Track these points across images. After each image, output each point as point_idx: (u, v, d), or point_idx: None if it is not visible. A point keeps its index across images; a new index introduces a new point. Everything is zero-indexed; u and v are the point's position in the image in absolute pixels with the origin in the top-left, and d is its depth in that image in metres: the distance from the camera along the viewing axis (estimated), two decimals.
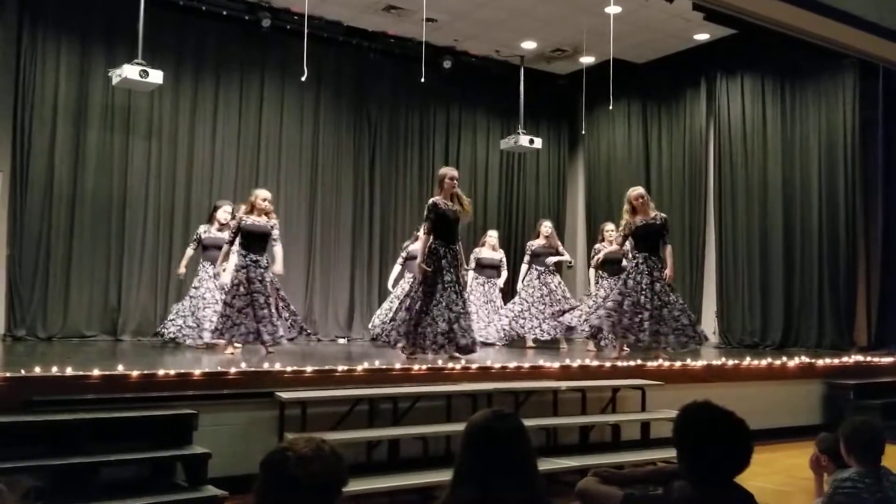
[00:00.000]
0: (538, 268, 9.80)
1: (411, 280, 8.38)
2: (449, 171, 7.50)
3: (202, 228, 8.72)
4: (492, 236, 10.22)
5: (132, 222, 9.87)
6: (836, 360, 8.64)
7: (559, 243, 10.08)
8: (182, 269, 8.74)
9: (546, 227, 9.95)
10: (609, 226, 9.64)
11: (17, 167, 9.22)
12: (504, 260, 10.22)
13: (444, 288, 7.13)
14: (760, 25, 8.22)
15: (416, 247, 8.46)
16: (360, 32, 11.28)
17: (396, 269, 9.83)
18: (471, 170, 12.40)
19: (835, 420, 6.52)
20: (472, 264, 9.90)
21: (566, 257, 10.00)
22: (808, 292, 10.50)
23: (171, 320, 8.56)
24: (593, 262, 9.53)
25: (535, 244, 9.88)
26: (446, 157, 12.40)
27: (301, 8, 9.51)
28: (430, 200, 7.33)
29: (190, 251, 8.72)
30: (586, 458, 5.77)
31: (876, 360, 9.03)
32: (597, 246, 9.70)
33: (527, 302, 9.66)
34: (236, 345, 7.37)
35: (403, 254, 9.76)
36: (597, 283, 9.62)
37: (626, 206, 8.13)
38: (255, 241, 7.43)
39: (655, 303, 7.86)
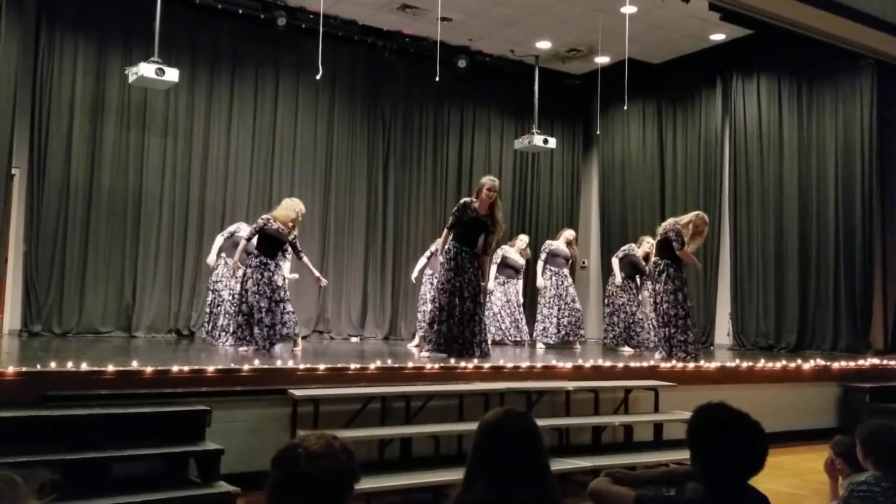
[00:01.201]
0: (552, 268, 9.84)
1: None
2: (487, 180, 7.47)
3: (241, 227, 8.62)
4: (522, 240, 10.25)
5: (147, 219, 9.93)
6: (851, 363, 8.57)
7: (577, 252, 10.15)
8: (213, 258, 8.66)
9: (569, 233, 10.05)
10: (649, 239, 9.73)
11: (34, 164, 9.30)
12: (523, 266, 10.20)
13: (457, 290, 7.24)
14: (777, 25, 8.18)
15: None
16: (375, 31, 11.30)
17: (422, 261, 9.76)
18: (484, 169, 12.36)
19: (850, 423, 6.46)
20: (497, 260, 9.91)
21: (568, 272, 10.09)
22: (824, 294, 10.42)
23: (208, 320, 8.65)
24: (619, 254, 9.88)
25: (555, 245, 9.92)
26: (460, 156, 12.42)
27: (316, 7, 9.52)
28: (463, 199, 7.54)
29: (220, 240, 8.68)
30: (599, 458, 5.75)
31: (893, 363, 8.94)
32: (632, 245, 9.99)
33: (539, 304, 9.74)
34: (242, 349, 7.44)
35: (432, 247, 9.70)
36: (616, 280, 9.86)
37: (693, 229, 8.13)
38: (276, 246, 7.56)
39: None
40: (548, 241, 10.20)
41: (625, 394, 6.65)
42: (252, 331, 7.35)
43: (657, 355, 8.27)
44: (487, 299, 9.03)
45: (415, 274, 9.75)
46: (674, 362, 7.51)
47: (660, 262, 8.18)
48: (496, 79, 12.47)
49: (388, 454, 5.40)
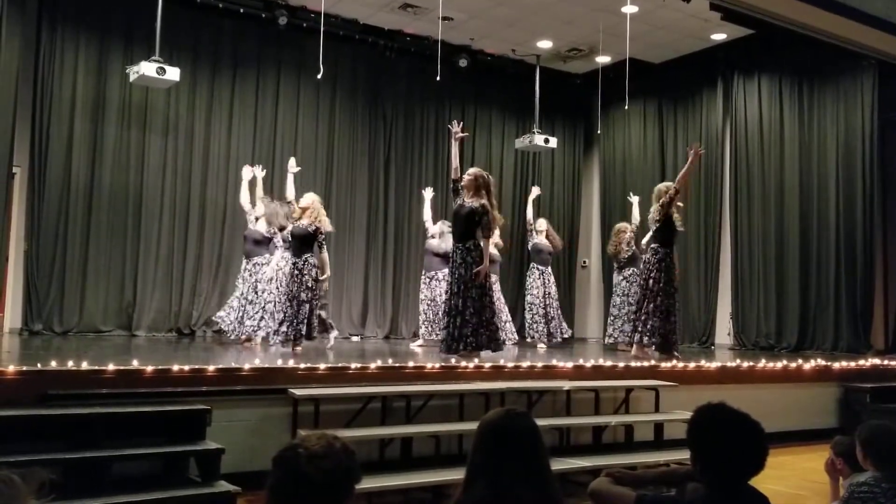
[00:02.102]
0: (540, 267, 9.82)
1: None
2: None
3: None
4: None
5: (148, 218, 9.93)
6: (852, 363, 8.56)
7: (558, 240, 10.09)
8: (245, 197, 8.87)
9: (542, 224, 9.98)
10: (626, 226, 9.87)
11: (35, 163, 9.30)
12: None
13: (451, 286, 7.40)
14: (778, 25, 8.17)
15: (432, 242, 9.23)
16: (376, 31, 11.30)
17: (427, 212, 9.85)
18: (485, 169, 12.24)
19: (851, 423, 6.47)
20: None
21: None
22: (825, 294, 10.41)
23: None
24: (628, 251, 9.83)
25: (539, 241, 9.88)
26: (461, 156, 12.36)
27: (317, 6, 9.53)
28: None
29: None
30: (599, 458, 5.75)
31: (893, 363, 8.93)
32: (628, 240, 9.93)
33: (534, 305, 9.71)
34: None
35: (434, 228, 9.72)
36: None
37: (667, 199, 8.15)
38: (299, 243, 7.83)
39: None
40: (531, 241, 10.07)
41: (625, 393, 6.65)
42: (291, 329, 7.56)
43: (629, 340, 8.33)
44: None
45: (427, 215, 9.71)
46: (674, 362, 7.50)
47: (659, 249, 8.15)
48: (497, 78, 12.47)
49: (388, 454, 5.40)
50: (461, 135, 7.79)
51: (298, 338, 7.61)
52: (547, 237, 9.91)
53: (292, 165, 8.21)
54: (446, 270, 8.97)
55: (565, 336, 9.86)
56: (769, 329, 10.89)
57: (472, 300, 7.28)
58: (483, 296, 7.38)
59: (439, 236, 9.36)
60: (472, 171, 7.68)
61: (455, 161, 7.66)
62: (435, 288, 9.23)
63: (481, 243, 7.40)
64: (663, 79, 12.30)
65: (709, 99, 11.96)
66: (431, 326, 9.16)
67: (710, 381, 7.26)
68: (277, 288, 8.13)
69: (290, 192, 8.10)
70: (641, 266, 8.53)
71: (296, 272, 7.62)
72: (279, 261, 8.32)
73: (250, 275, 8.48)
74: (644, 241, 9.16)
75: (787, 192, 10.89)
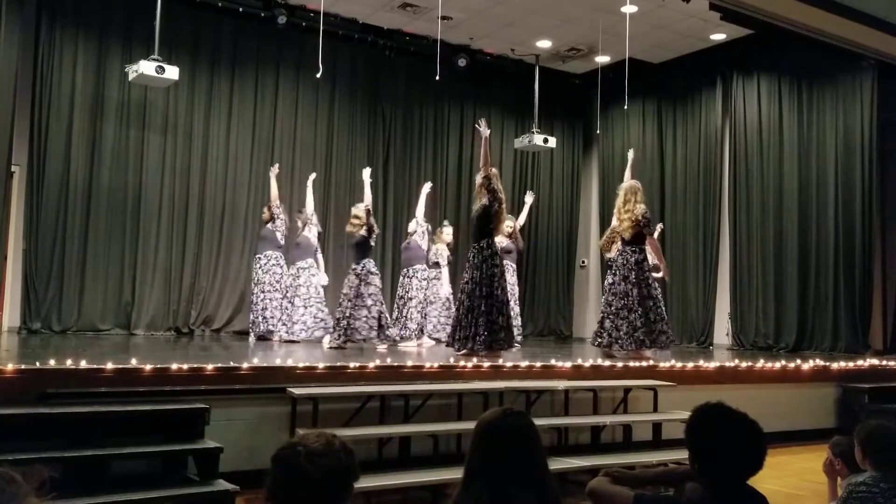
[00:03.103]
0: (512, 265, 9.84)
1: None
2: None
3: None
4: (447, 233, 9.77)
5: (147, 217, 9.93)
6: (850, 364, 8.56)
7: (521, 244, 10.17)
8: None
9: (508, 225, 9.81)
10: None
11: (33, 162, 9.30)
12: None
13: (462, 286, 7.74)
14: (778, 25, 8.18)
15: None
16: (376, 30, 11.30)
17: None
18: None
19: (849, 424, 6.46)
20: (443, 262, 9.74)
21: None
22: (823, 295, 10.41)
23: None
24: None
25: (505, 242, 9.77)
26: (460, 155, 12.41)
27: (317, 5, 9.53)
28: None
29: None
30: (597, 458, 5.74)
31: (891, 363, 8.94)
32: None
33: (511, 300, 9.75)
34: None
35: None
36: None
37: (639, 196, 8.10)
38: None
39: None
40: (498, 239, 9.91)
41: (624, 393, 6.65)
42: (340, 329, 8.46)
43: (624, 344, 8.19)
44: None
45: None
46: (673, 361, 7.50)
47: (643, 250, 8.04)
48: (496, 78, 12.47)
49: (386, 453, 5.41)
50: (487, 131, 7.81)
51: (344, 336, 8.43)
52: (513, 237, 9.92)
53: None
54: (416, 266, 9.49)
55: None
56: (768, 329, 10.89)
57: (483, 298, 7.35)
58: (492, 294, 7.40)
59: (412, 234, 9.61)
60: (481, 173, 7.71)
61: (484, 159, 7.73)
62: (406, 285, 9.50)
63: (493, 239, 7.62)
64: (662, 79, 12.31)
65: (708, 99, 11.97)
66: (403, 323, 9.38)
67: (708, 381, 7.27)
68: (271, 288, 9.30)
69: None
70: (625, 267, 7.98)
71: (353, 277, 8.50)
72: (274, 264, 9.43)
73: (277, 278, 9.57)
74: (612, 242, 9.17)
75: (786, 192, 10.89)
